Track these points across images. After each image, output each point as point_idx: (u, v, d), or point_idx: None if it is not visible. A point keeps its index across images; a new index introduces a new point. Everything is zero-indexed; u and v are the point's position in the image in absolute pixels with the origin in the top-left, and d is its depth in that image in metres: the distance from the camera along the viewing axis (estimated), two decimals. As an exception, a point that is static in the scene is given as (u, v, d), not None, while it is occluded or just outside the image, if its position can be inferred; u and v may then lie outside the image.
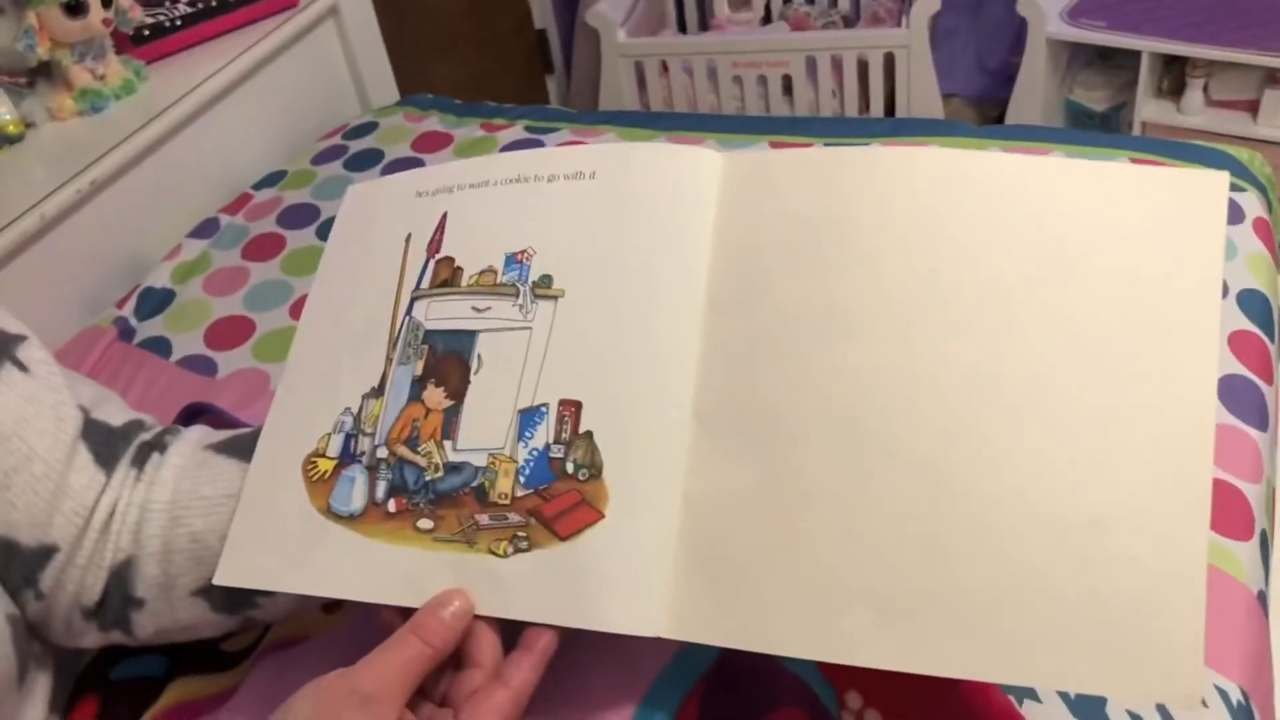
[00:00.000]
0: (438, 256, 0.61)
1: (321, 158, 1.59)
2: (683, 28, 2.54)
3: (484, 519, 0.54)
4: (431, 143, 1.59)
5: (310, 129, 1.69)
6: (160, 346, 1.28)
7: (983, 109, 2.35)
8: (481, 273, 0.60)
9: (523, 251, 0.59)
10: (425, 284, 0.61)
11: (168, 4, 1.54)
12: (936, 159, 0.54)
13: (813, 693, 0.57)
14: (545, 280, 0.58)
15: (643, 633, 0.50)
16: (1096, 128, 2.22)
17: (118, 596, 0.61)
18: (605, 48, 2.32)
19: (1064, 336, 0.49)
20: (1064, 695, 0.76)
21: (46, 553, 0.59)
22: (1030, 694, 0.76)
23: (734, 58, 2.26)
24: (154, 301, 1.35)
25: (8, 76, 1.39)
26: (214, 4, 1.55)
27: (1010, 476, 0.48)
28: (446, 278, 0.60)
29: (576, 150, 0.62)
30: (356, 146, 1.61)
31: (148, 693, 0.68)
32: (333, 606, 0.68)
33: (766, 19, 2.46)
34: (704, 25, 2.53)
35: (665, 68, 2.34)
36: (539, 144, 1.54)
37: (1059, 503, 0.47)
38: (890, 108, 2.25)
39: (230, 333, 1.28)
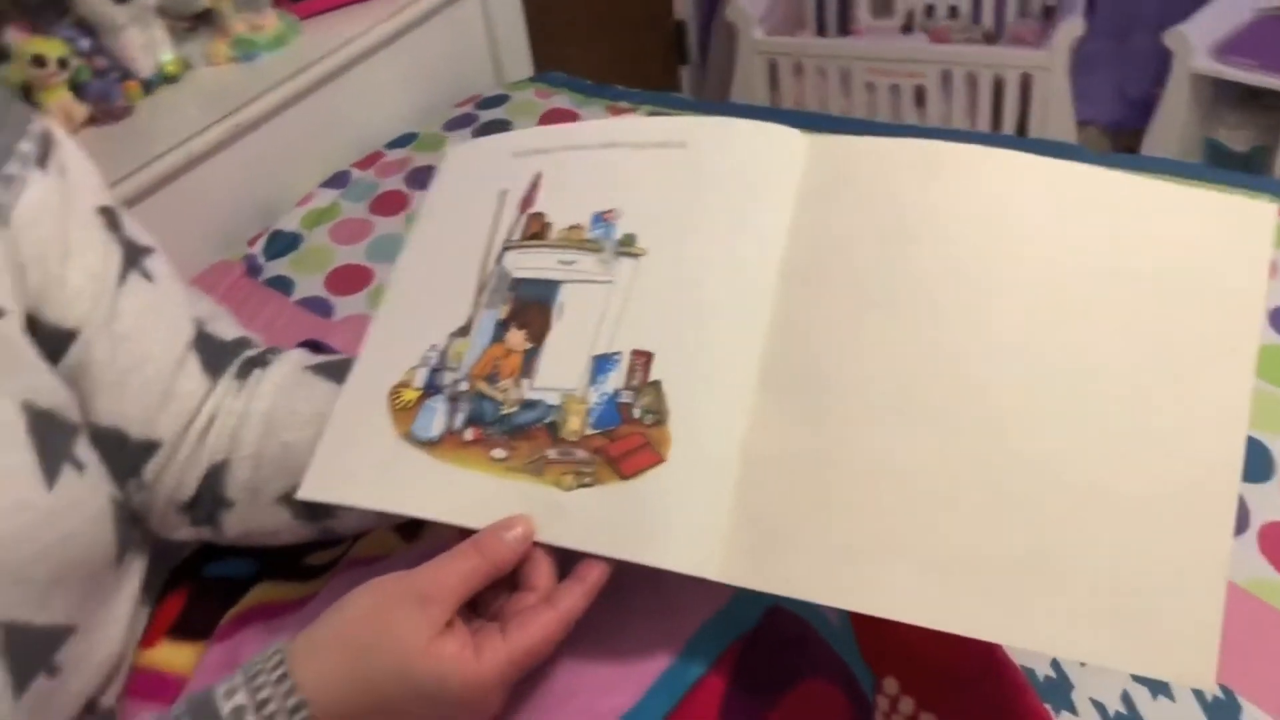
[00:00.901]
0: (529, 211, 0.65)
1: (453, 124, 1.65)
2: (822, 29, 2.54)
3: (553, 454, 0.57)
4: (558, 119, 1.62)
5: (445, 96, 1.75)
6: (283, 285, 1.36)
7: (1118, 138, 2.29)
8: (569, 229, 0.63)
9: (609, 211, 0.62)
10: (516, 236, 0.64)
11: (327, -36, 1.61)
12: (1014, 161, 0.57)
13: (850, 671, 0.59)
14: (629, 239, 0.61)
15: (694, 572, 0.52)
16: (1238, 168, 2.15)
17: (209, 495, 0.66)
18: (741, 43, 2.34)
19: (1112, 335, 0.52)
20: (1101, 711, 0.77)
21: (151, 447, 0.64)
22: (1068, 705, 0.77)
23: (869, 64, 2.26)
24: (282, 243, 1.42)
25: (173, 19, 1.47)
26: (370, -32, 1.62)
27: (1052, 456, 0.51)
28: (536, 231, 0.64)
29: (668, 120, 0.65)
30: (486, 116, 1.65)
31: (234, 592, 0.72)
32: (411, 532, 0.72)
33: (907, 28, 2.44)
34: (844, 29, 2.52)
35: (800, 68, 2.34)
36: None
37: (1095, 485, 0.50)
38: (1022, 129, 2.22)
39: (349, 279, 1.35)
